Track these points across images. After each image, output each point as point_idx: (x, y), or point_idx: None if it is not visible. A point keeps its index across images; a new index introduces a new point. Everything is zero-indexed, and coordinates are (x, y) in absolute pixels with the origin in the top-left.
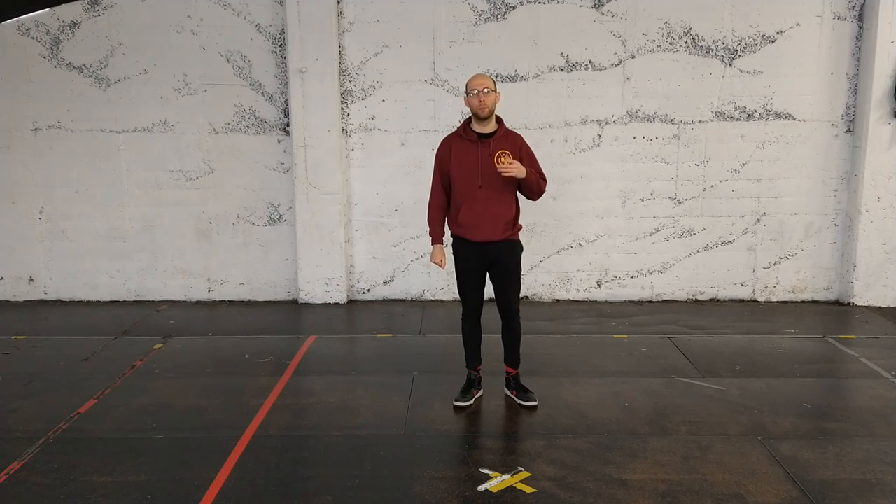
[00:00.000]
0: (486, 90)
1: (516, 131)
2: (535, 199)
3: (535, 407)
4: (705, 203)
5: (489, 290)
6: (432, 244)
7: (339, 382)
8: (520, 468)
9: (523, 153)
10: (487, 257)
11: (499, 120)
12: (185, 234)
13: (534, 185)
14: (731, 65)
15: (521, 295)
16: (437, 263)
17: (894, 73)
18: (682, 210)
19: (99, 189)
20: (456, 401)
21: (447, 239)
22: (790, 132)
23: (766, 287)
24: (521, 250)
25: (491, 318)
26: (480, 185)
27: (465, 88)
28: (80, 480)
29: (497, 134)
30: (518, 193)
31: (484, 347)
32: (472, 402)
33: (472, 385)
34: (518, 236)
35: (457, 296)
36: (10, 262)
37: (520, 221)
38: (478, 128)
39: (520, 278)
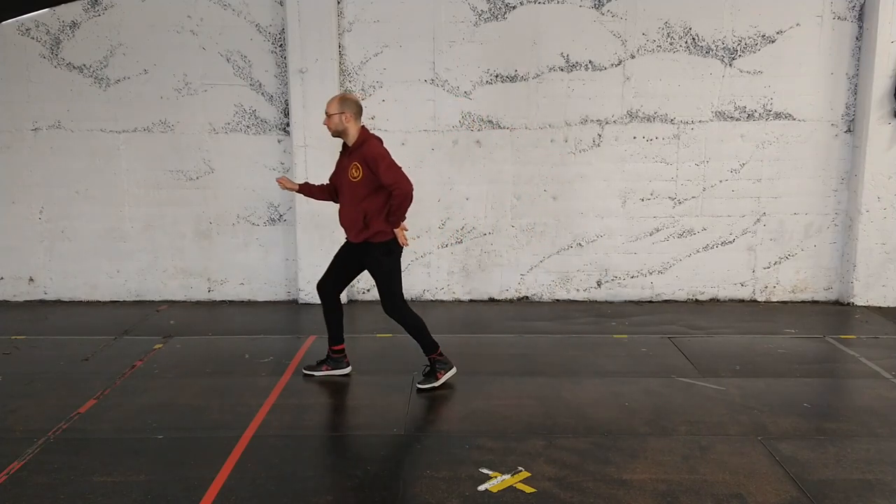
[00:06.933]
0: (325, 115)
1: (376, 137)
2: (406, 208)
3: (423, 390)
4: (705, 203)
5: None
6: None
7: (340, 382)
8: (520, 468)
9: (370, 165)
10: (354, 255)
11: (362, 133)
12: (185, 234)
13: (396, 212)
14: (731, 65)
15: (396, 296)
16: (279, 180)
17: (894, 73)
18: (682, 210)
19: (99, 189)
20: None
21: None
22: (790, 132)
23: (766, 287)
24: (384, 253)
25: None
26: (341, 190)
27: None
28: (80, 480)
29: (352, 147)
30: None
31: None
32: (315, 374)
33: (324, 362)
34: (378, 239)
35: (456, 295)
36: (10, 262)
37: (389, 226)
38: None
39: (387, 280)
